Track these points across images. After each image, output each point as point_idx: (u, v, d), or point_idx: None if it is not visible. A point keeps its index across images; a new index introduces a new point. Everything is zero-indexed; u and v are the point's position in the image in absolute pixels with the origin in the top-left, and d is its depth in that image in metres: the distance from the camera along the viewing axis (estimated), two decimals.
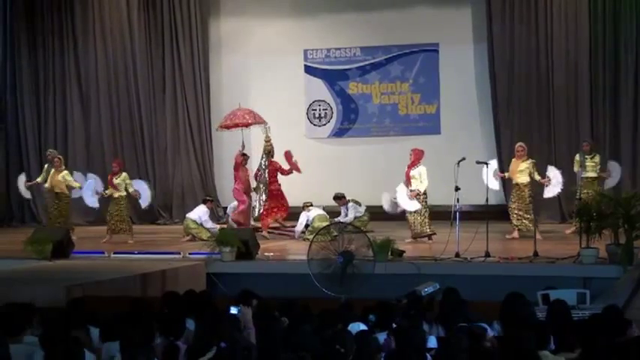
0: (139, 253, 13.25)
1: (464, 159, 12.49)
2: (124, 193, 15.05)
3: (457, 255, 11.87)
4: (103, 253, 13.32)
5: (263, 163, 15.34)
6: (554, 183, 14.06)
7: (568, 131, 16.57)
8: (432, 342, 6.59)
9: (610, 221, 11.16)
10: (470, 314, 7.28)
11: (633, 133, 16.29)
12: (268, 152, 15.37)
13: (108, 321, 6.79)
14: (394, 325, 7.00)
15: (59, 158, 15.39)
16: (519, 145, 14.40)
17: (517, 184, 14.17)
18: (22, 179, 16.18)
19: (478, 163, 13.42)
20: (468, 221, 12.80)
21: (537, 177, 14.07)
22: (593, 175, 14.37)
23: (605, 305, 7.42)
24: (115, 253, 13.22)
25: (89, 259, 13.03)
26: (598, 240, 11.31)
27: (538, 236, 12.71)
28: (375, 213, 15.16)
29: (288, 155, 15.35)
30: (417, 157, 13.99)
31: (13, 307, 6.90)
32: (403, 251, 12.26)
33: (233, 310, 6.90)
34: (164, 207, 18.62)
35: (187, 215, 15.26)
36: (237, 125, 15.82)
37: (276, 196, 15.34)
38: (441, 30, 17.86)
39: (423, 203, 13.82)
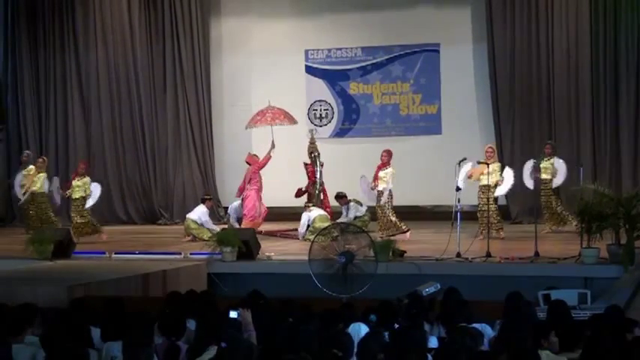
0: (140, 254, 13.25)
1: (465, 159, 12.48)
2: (81, 195, 15.09)
3: (458, 255, 11.87)
4: (104, 253, 13.32)
5: (318, 163, 15.59)
6: (506, 183, 13.95)
7: (569, 131, 16.54)
8: (433, 342, 6.60)
9: (611, 221, 11.16)
10: (471, 314, 7.28)
11: (634, 133, 16.26)
12: (318, 154, 15.72)
13: (109, 321, 6.79)
14: (395, 325, 7.00)
15: (43, 159, 16.19)
16: (490, 147, 14.42)
17: (487, 186, 14.05)
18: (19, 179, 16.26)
19: (479, 163, 13.42)
20: (468, 221, 12.78)
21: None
22: (547, 177, 14.40)
23: (607, 305, 7.43)
24: (116, 253, 13.23)
25: (90, 259, 13.05)
26: (599, 240, 11.31)
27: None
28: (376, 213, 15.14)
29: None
30: (389, 158, 14.09)
31: (14, 307, 6.91)
32: (404, 251, 12.25)
33: (233, 314, 6.90)
34: (165, 207, 18.61)
35: (188, 216, 15.24)
36: (273, 123, 15.91)
37: (325, 195, 15.72)
38: (441, 30, 17.85)
39: (388, 204, 13.91)
